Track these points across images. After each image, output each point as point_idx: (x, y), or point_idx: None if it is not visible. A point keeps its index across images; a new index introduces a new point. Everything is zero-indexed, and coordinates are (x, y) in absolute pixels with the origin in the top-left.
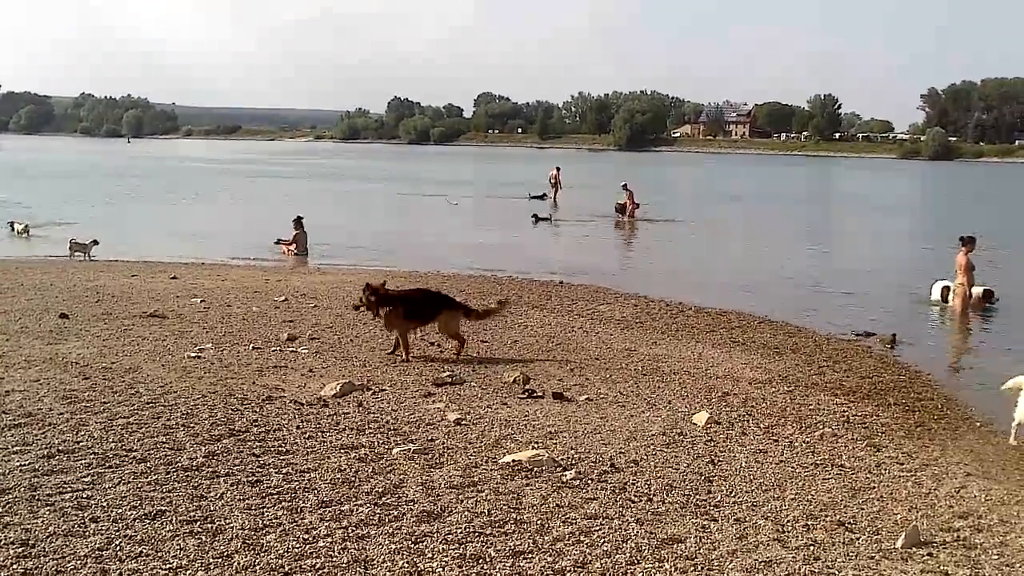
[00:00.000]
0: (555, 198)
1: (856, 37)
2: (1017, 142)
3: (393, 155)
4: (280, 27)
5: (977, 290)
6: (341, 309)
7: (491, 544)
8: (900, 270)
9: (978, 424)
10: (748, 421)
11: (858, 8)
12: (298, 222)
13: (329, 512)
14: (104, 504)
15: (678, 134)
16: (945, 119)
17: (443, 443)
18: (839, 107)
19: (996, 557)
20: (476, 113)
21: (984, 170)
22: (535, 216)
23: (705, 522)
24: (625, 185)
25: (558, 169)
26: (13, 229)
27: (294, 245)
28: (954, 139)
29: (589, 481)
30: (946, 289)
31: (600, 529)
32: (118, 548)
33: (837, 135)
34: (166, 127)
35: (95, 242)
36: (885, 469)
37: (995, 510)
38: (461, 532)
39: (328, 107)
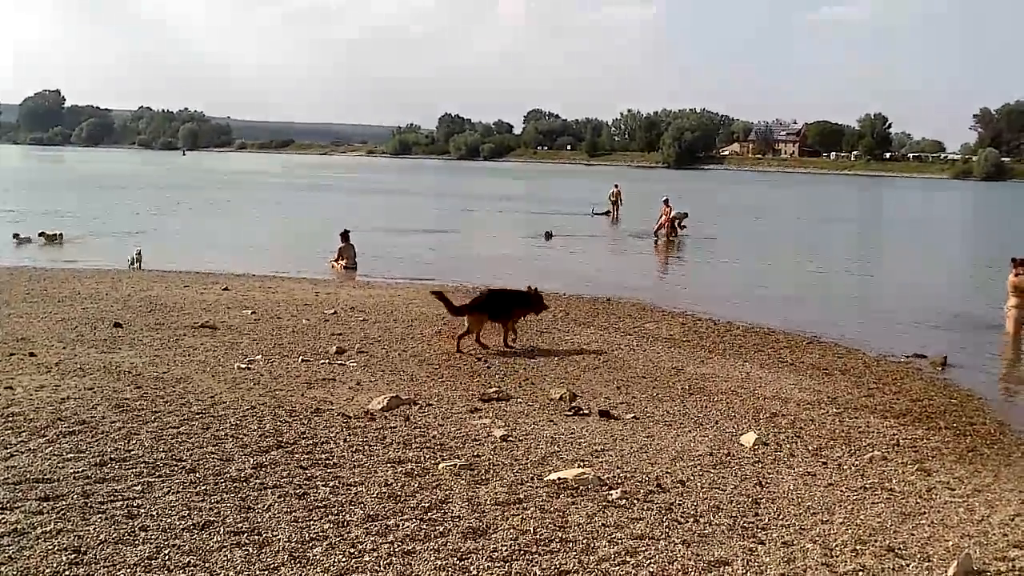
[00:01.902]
0: (616, 215)
1: (907, 55)
2: None
3: (444, 170)
4: (333, 43)
5: None
6: (390, 323)
7: (536, 563)
8: (951, 291)
9: None
10: (796, 443)
11: (909, 26)
12: (345, 236)
13: (375, 527)
14: (153, 513)
15: (727, 152)
16: (999, 139)
17: (489, 459)
18: (889, 126)
19: None
20: (525, 130)
21: None
22: (548, 233)
23: (752, 545)
24: (666, 200)
25: (617, 187)
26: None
27: (343, 259)
28: (1007, 160)
29: (635, 501)
30: None
31: (646, 550)
32: (166, 557)
33: (887, 154)
34: (220, 140)
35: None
36: (936, 494)
37: None
38: (506, 550)
39: (379, 122)
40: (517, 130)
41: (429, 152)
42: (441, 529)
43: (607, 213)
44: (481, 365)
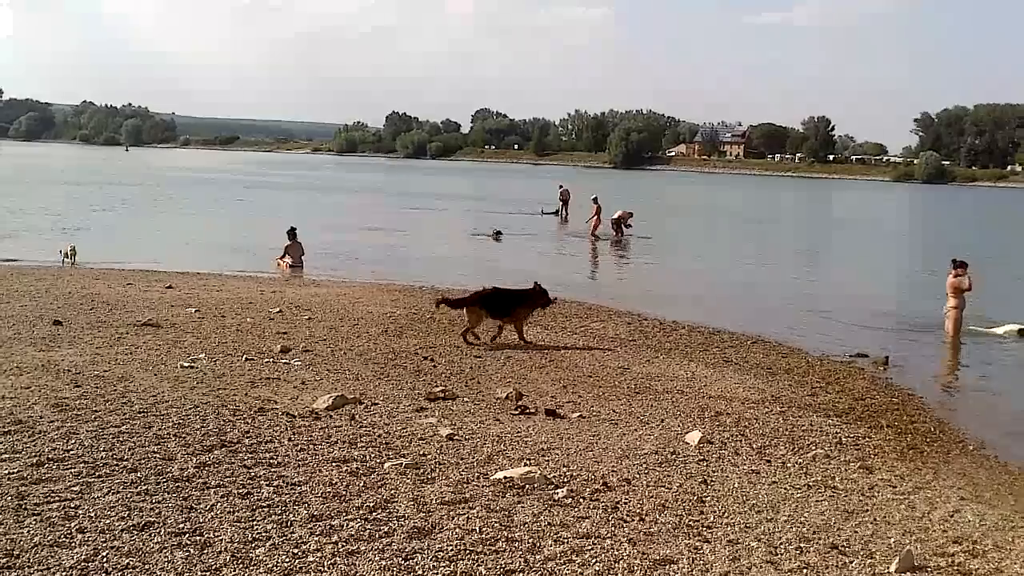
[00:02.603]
0: (565, 215)
1: (849, 60)
2: (1009, 167)
3: (391, 168)
4: (279, 40)
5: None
6: (335, 321)
7: (482, 562)
8: (893, 292)
9: (971, 448)
10: (741, 441)
11: (851, 31)
12: (291, 234)
13: (319, 526)
14: (92, 514)
15: (673, 153)
16: (938, 143)
17: (435, 458)
18: (832, 129)
19: None
20: (473, 129)
21: (977, 194)
22: (496, 232)
23: (698, 543)
24: (595, 199)
25: (562, 186)
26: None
27: (289, 257)
28: (947, 163)
29: (581, 499)
30: None
31: (592, 549)
32: (104, 560)
33: (831, 157)
34: (164, 136)
35: None
36: (878, 492)
37: (990, 535)
38: (452, 549)
39: (326, 120)
40: (465, 129)
41: (376, 150)
42: (386, 529)
43: (556, 213)
44: (427, 364)
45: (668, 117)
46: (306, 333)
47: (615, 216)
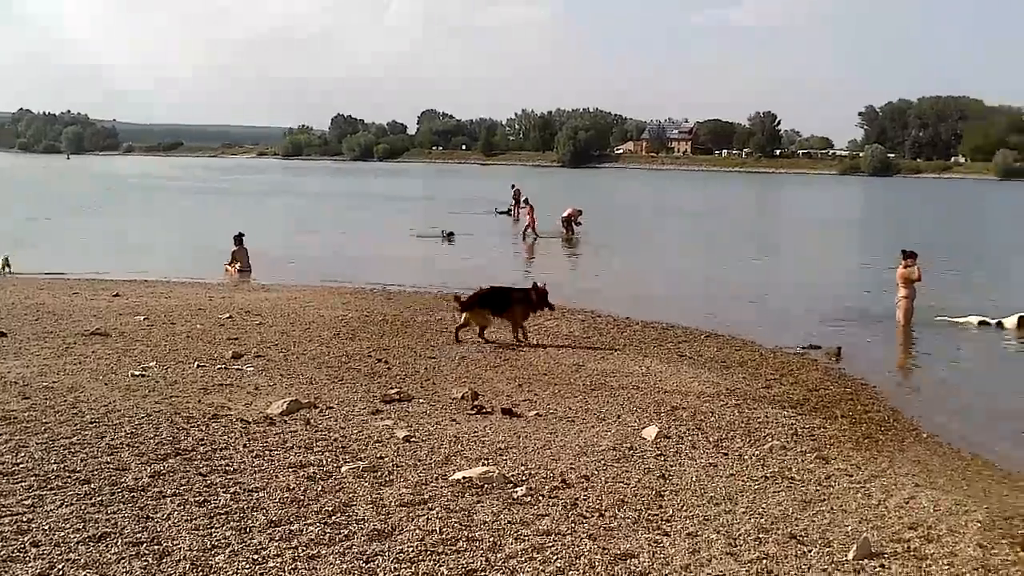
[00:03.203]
0: (518, 214)
1: (795, 55)
2: (953, 159)
3: (338, 172)
4: (222, 43)
5: (1012, 320)
6: (286, 326)
7: (443, 563)
8: (843, 284)
9: (924, 435)
10: (697, 435)
11: (795, 27)
12: (239, 239)
13: (278, 532)
14: (46, 527)
15: (621, 151)
16: (883, 136)
17: (392, 461)
18: (778, 124)
19: (946, 567)
20: (420, 130)
21: (922, 185)
22: (449, 234)
23: (657, 537)
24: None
25: (515, 186)
26: None
27: (237, 263)
28: (892, 156)
29: (540, 497)
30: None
31: (553, 546)
32: (61, 572)
33: (777, 152)
34: (106, 143)
35: None
36: (835, 481)
37: (944, 520)
38: (412, 551)
39: (271, 124)
40: (411, 131)
41: (322, 153)
42: (346, 532)
43: (509, 212)
44: (381, 366)
45: (615, 115)
46: (257, 338)
47: (565, 214)
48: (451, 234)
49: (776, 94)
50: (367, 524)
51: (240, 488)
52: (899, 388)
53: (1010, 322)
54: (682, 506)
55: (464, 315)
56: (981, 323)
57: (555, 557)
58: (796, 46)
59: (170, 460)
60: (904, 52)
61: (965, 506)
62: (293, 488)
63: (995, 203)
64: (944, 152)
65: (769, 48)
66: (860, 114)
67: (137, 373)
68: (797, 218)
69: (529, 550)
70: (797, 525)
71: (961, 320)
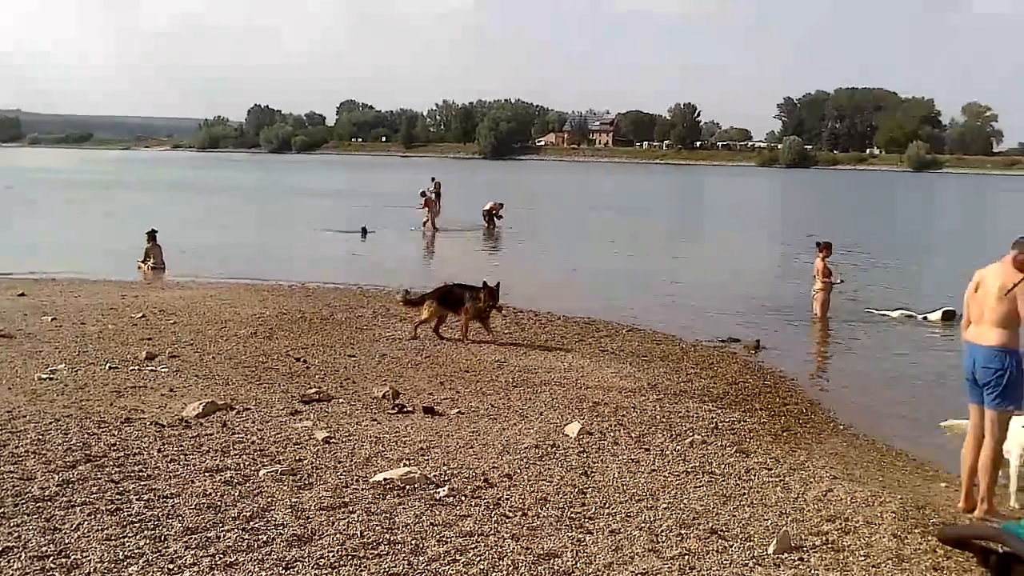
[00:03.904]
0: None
1: (716, 47)
2: (868, 150)
3: (255, 164)
4: (136, 32)
5: (936, 314)
6: (202, 325)
7: (364, 567)
8: (761, 277)
9: (841, 427)
10: (619, 431)
11: (718, 18)
12: (152, 236)
13: (194, 539)
14: None
15: (543, 143)
16: (801, 128)
17: (312, 463)
18: (699, 115)
19: (863, 558)
20: (339, 121)
21: (839, 177)
22: (364, 229)
23: (580, 535)
24: (423, 192)
25: (433, 179)
26: None
27: (151, 260)
28: (809, 147)
29: (463, 497)
30: (948, 313)
31: (476, 547)
32: None
33: (697, 143)
34: (10, 135)
35: None
36: (754, 475)
37: (860, 512)
38: (333, 556)
39: (186, 115)
40: (330, 122)
41: (239, 145)
42: (264, 538)
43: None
44: (300, 366)
45: (537, 106)
46: (172, 338)
47: (486, 207)
48: (364, 230)
49: (697, 86)
50: (286, 529)
51: (154, 495)
52: (817, 380)
53: (935, 316)
54: (605, 503)
55: (428, 310)
56: (907, 317)
57: (478, 559)
58: (717, 38)
59: (80, 467)
60: (822, 44)
61: (880, 497)
62: (210, 493)
63: (910, 195)
64: (860, 144)
65: (690, 39)
66: (779, 106)
67: (44, 376)
68: (715, 210)
69: (452, 552)
70: (718, 520)
71: (888, 314)
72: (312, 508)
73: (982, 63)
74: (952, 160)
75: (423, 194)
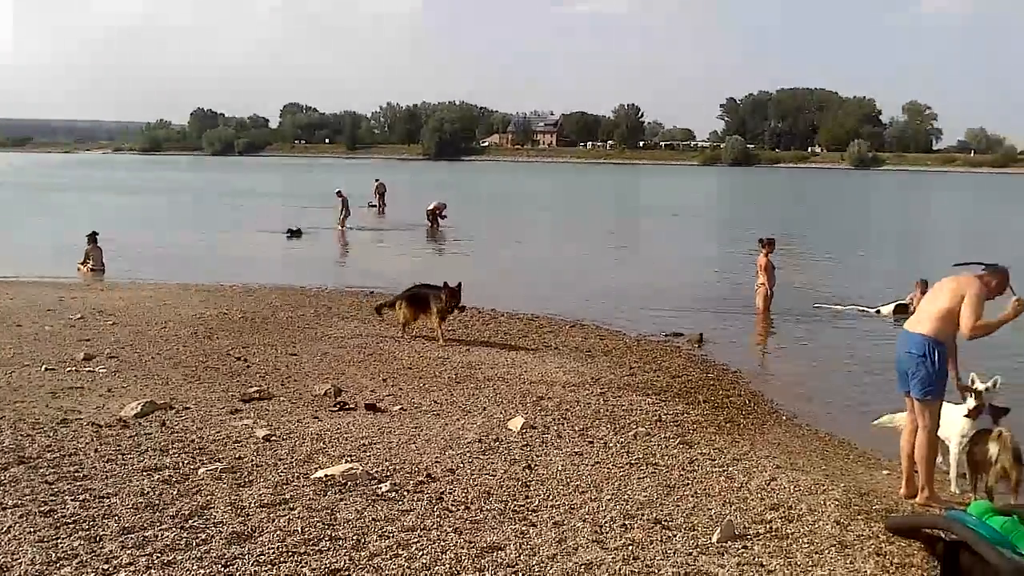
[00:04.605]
0: (382, 207)
1: (658, 48)
2: (810, 149)
3: (196, 167)
4: (76, 35)
5: (889, 308)
6: (141, 325)
7: (306, 563)
8: (705, 272)
9: (784, 418)
10: (563, 424)
11: (655, 17)
12: (92, 237)
13: (131, 539)
14: None
15: (487, 143)
16: (743, 128)
17: (252, 461)
18: (642, 116)
19: (807, 545)
20: (282, 124)
21: (781, 175)
22: (290, 230)
23: (524, 528)
24: (339, 191)
25: (378, 180)
26: None
27: (90, 262)
28: (752, 146)
29: (405, 492)
30: (901, 307)
31: (418, 541)
32: None
33: (641, 143)
34: None
35: None
36: (698, 465)
37: (803, 500)
38: (273, 552)
39: (127, 118)
40: (274, 124)
41: (182, 148)
42: (203, 536)
43: (374, 206)
44: (241, 365)
45: (481, 108)
46: (111, 339)
47: (430, 207)
48: (298, 230)
49: (640, 87)
50: (225, 527)
51: (90, 495)
52: (760, 372)
53: (887, 309)
54: (548, 496)
55: (402, 312)
56: (860, 311)
57: (421, 553)
58: (660, 40)
59: (12, 469)
60: (765, 46)
61: (823, 485)
62: (147, 492)
63: (853, 192)
64: (802, 143)
65: (634, 41)
66: (721, 106)
67: None
68: (660, 207)
69: (394, 547)
70: (662, 510)
71: (838, 308)
72: (252, 505)
73: (922, 62)
74: (892, 158)
75: (339, 193)
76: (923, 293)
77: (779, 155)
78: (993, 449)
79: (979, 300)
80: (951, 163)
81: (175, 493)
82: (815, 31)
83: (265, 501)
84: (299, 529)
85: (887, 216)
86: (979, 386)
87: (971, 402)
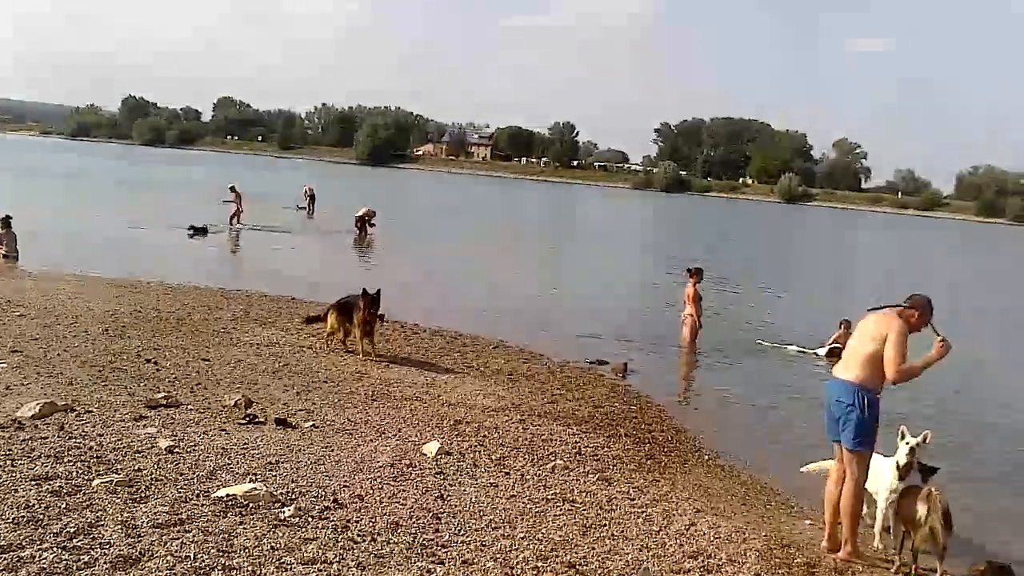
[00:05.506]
0: (312, 210)
1: (596, 68)
2: (741, 179)
3: (123, 156)
4: (4, 15)
5: (824, 350)
6: (51, 319)
7: None
8: (632, 300)
9: (706, 457)
10: (480, 452)
11: (597, 40)
12: (5, 222)
13: (5, 560)
14: None
15: (420, 152)
16: (676, 154)
17: (151, 474)
18: (577, 135)
19: None
20: (215, 118)
21: (712, 205)
22: (192, 227)
23: (431, 565)
24: (233, 187)
25: (306, 186)
26: None
27: (2, 248)
28: (684, 173)
29: (310, 519)
30: (834, 349)
31: (317, 575)
32: None
33: (575, 162)
34: None
35: None
36: (616, 505)
37: (723, 548)
38: None
39: (55, 101)
40: (206, 117)
41: (112, 136)
42: (86, 559)
43: (303, 208)
44: (150, 367)
45: (416, 115)
46: (16, 331)
47: (359, 214)
48: (203, 228)
49: (577, 106)
50: (112, 549)
51: None
52: (683, 407)
53: (823, 351)
54: (459, 530)
55: (332, 321)
56: (799, 352)
57: None
58: (599, 60)
59: None
60: (700, 72)
61: (744, 533)
62: (33, 505)
63: (784, 225)
64: (734, 172)
65: (573, 60)
66: (656, 131)
67: None
68: (590, 230)
69: None
70: (577, 553)
71: (780, 347)
72: (145, 524)
73: (854, 101)
74: (822, 195)
75: (232, 188)
76: (847, 331)
77: (710, 184)
78: (922, 510)
79: (902, 342)
80: (878, 203)
81: (63, 507)
82: (753, 63)
83: (160, 520)
84: (191, 555)
85: (816, 252)
86: (911, 441)
87: (903, 457)
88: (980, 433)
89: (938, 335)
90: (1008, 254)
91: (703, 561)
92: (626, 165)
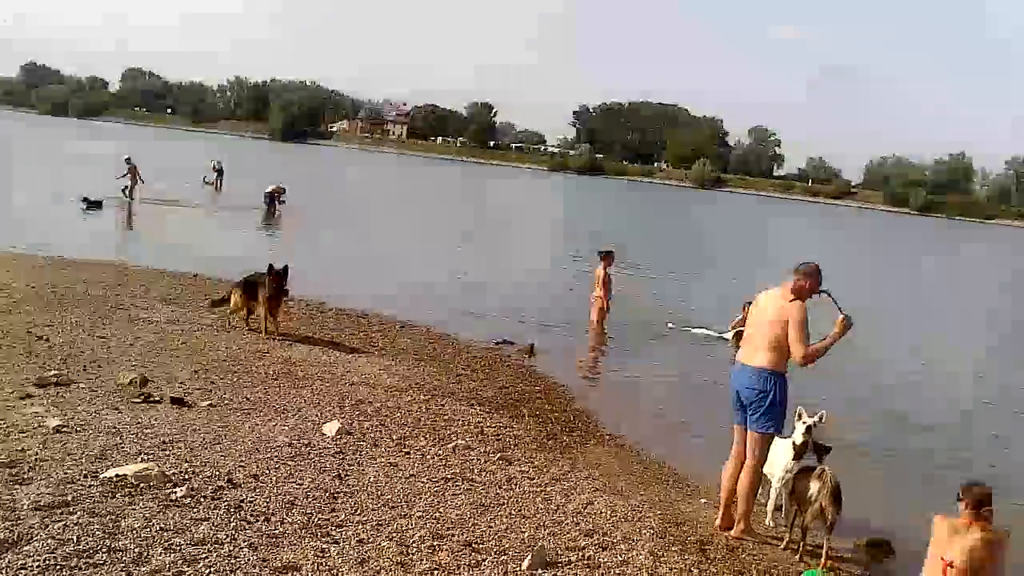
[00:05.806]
0: (219, 185)
1: (513, 47)
2: (656, 163)
3: (21, 125)
4: None
5: (731, 332)
6: None
7: None
8: (541, 281)
9: (607, 437)
10: (381, 432)
11: (513, 20)
12: None
13: None
14: None
15: (335, 129)
16: (593, 137)
17: (36, 454)
18: (495, 115)
19: None
20: (123, 88)
21: (627, 186)
22: (86, 200)
23: (325, 545)
24: (128, 159)
25: (212, 161)
26: None
27: None
28: (600, 156)
29: (202, 499)
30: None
31: (207, 557)
32: None
33: (492, 143)
34: None
35: None
36: (516, 484)
37: (619, 527)
38: (38, 566)
39: None
40: (114, 88)
41: (11, 104)
42: None
43: (210, 183)
44: (41, 344)
45: (332, 91)
46: None
47: (268, 190)
48: (98, 202)
49: (494, 86)
50: None
51: None
52: (588, 388)
53: (730, 334)
54: (356, 509)
55: (236, 299)
56: (708, 335)
57: (208, 570)
58: (517, 41)
59: None
60: (619, 55)
61: (640, 512)
62: None
63: (698, 211)
64: (650, 157)
65: (490, 40)
66: (574, 113)
67: None
68: (503, 211)
69: (179, 562)
70: (474, 531)
71: (692, 329)
72: (26, 507)
73: (772, 88)
74: (735, 180)
75: (128, 160)
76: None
77: (625, 167)
78: (814, 487)
79: (803, 323)
80: (790, 190)
81: None
82: (671, 48)
83: (43, 502)
84: (75, 537)
85: (732, 237)
86: (807, 421)
87: (799, 437)
88: (863, 411)
89: (841, 312)
90: (907, 241)
91: (599, 539)
92: (543, 147)
